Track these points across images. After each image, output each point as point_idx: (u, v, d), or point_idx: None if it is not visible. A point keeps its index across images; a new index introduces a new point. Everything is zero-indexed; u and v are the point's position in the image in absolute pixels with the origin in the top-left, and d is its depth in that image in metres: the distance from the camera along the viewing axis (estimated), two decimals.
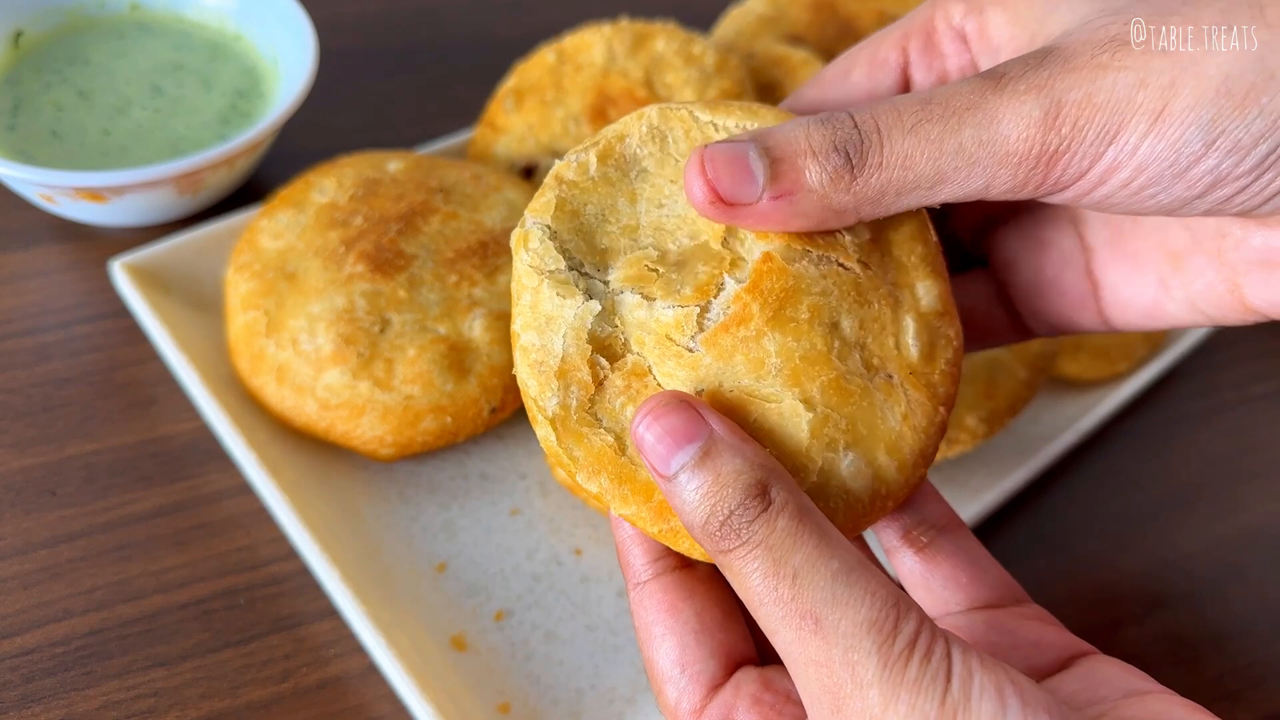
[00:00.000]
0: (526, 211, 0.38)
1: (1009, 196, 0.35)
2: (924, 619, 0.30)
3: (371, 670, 0.51)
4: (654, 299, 0.36)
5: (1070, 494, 0.64)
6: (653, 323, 0.35)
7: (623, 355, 0.35)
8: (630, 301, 0.36)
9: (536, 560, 0.56)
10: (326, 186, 0.61)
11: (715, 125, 0.39)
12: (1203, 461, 0.68)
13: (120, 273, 0.60)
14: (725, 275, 0.36)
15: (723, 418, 0.33)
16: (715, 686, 0.36)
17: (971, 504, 0.57)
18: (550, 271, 0.36)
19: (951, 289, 0.39)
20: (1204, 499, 0.66)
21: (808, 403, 0.35)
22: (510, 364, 0.46)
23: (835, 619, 0.30)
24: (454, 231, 0.59)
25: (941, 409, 0.37)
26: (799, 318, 0.35)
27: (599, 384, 0.35)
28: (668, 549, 0.38)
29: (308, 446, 0.58)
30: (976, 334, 0.46)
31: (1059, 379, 0.68)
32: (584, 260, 0.37)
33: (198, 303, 0.62)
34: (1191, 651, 0.59)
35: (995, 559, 0.40)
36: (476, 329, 0.57)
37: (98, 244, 0.68)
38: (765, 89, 0.69)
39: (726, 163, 0.35)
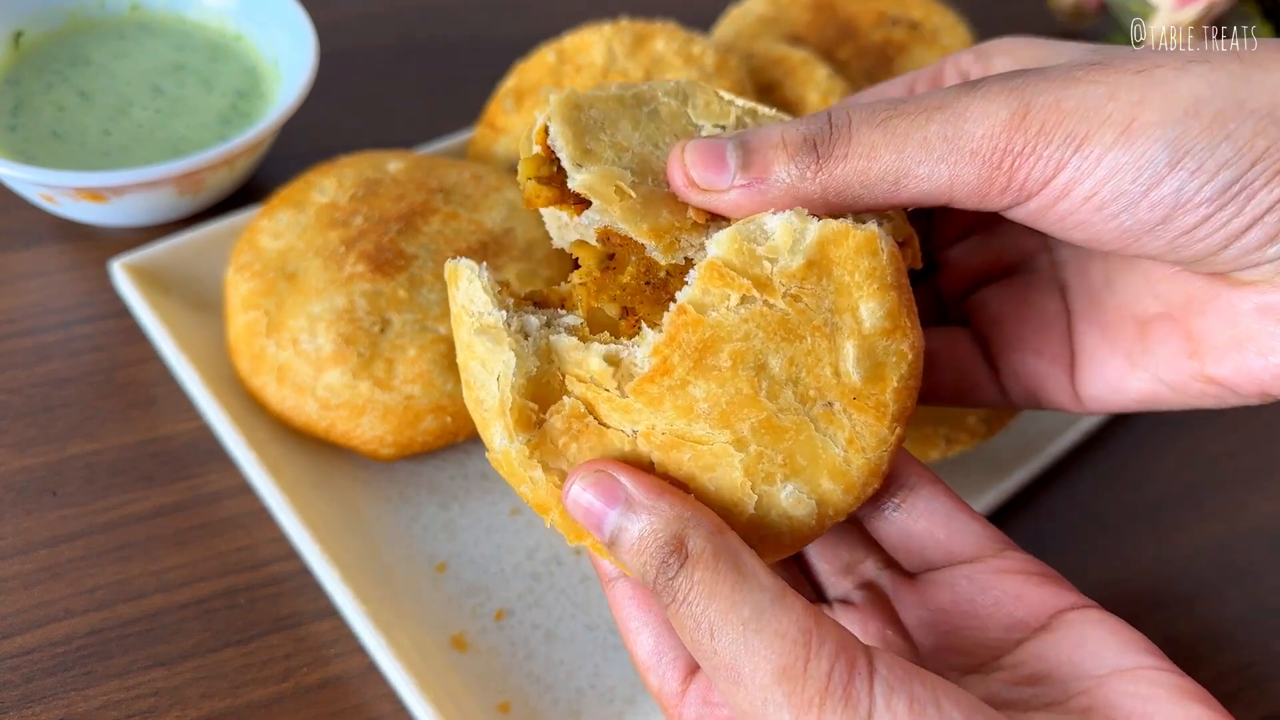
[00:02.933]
0: (550, 96, 0.38)
1: (974, 203, 0.35)
2: (839, 653, 0.30)
3: (372, 670, 0.51)
4: (589, 341, 0.36)
5: (1070, 494, 0.64)
6: (587, 364, 0.36)
7: (560, 396, 0.36)
8: (565, 343, 0.36)
9: (536, 560, 0.56)
10: (327, 186, 0.61)
11: (736, 104, 0.41)
12: (1203, 461, 0.68)
13: (120, 273, 0.60)
14: (644, 325, 0.36)
15: (639, 476, 0.34)
16: (693, 669, 0.37)
17: (971, 504, 0.57)
18: (479, 314, 0.36)
19: (913, 301, 0.37)
20: (1204, 499, 0.66)
21: (739, 443, 0.35)
22: None
23: (750, 671, 0.30)
24: (454, 231, 0.59)
25: (897, 426, 0.36)
26: (720, 365, 0.35)
27: (539, 426, 0.36)
28: None
29: (308, 446, 0.58)
30: (955, 390, 0.46)
31: None
32: (566, 148, 0.37)
33: (198, 303, 0.62)
34: (1191, 651, 0.59)
35: (975, 511, 0.40)
36: None
37: (98, 244, 0.68)
38: (765, 89, 0.69)
39: (703, 152, 0.37)
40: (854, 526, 0.42)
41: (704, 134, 0.41)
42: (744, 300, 0.35)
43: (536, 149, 0.38)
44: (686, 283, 0.35)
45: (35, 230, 0.68)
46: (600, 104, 0.39)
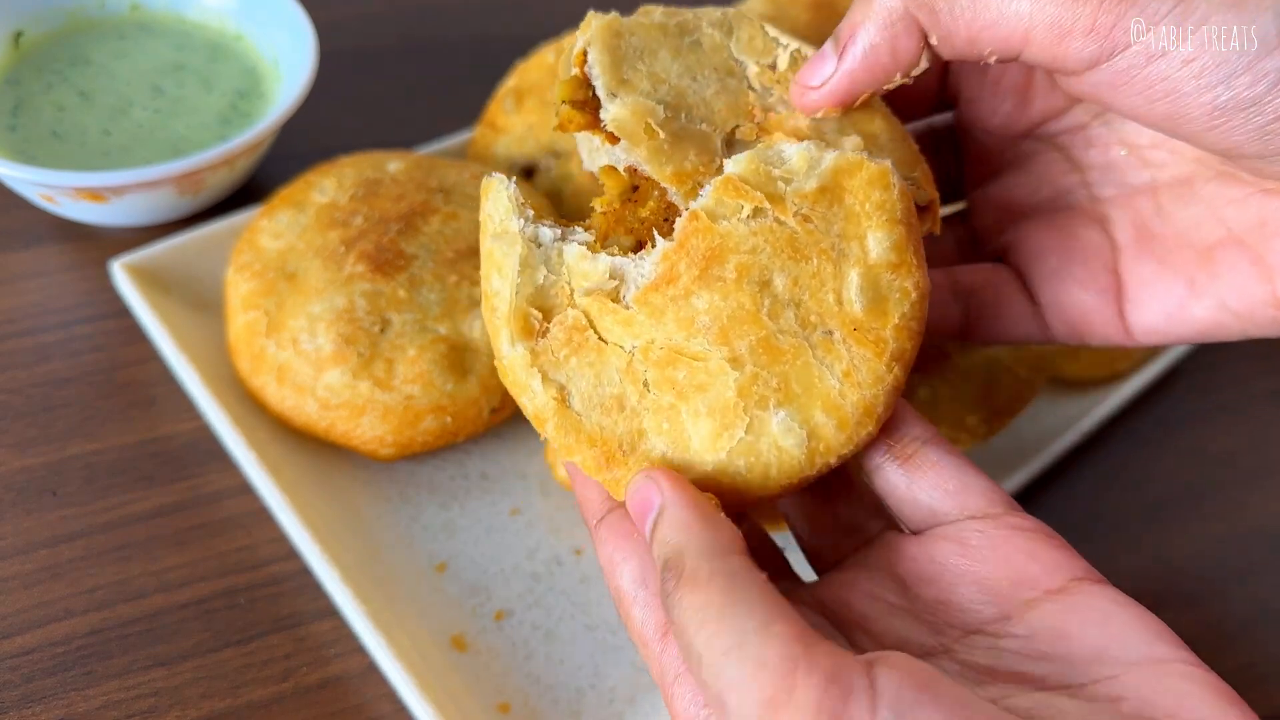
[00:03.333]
0: (592, 20, 0.40)
1: (1051, 46, 0.33)
2: (831, 681, 0.27)
3: (371, 670, 0.51)
4: (596, 252, 0.36)
5: (1070, 494, 0.64)
6: (594, 274, 0.36)
7: (565, 308, 0.36)
8: (574, 253, 0.36)
9: (536, 560, 0.56)
10: (327, 186, 0.61)
11: (780, 41, 0.42)
12: (1203, 461, 0.68)
13: (120, 273, 0.60)
14: (656, 234, 0.37)
15: (676, 484, 0.34)
16: None
17: None
18: (499, 221, 0.37)
19: (920, 243, 0.37)
20: (1204, 499, 0.66)
21: (735, 361, 0.35)
22: None
23: (735, 704, 0.28)
24: (454, 231, 0.59)
25: (895, 365, 0.36)
26: (725, 276, 0.35)
27: (542, 334, 0.36)
28: None
29: (308, 446, 0.58)
30: (994, 325, 0.44)
31: (1059, 379, 0.68)
32: (602, 76, 0.38)
33: (198, 303, 0.62)
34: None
35: (979, 468, 0.38)
36: (477, 329, 0.57)
37: (98, 244, 0.68)
38: None
39: (809, 63, 0.39)
40: (856, 491, 0.40)
41: (748, 72, 0.41)
42: (755, 213, 0.35)
43: (574, 71, 0.39)
44: (701, 195, 0.36)
45: (35, 230, 0.68)
46: (641, 31, 0.40)
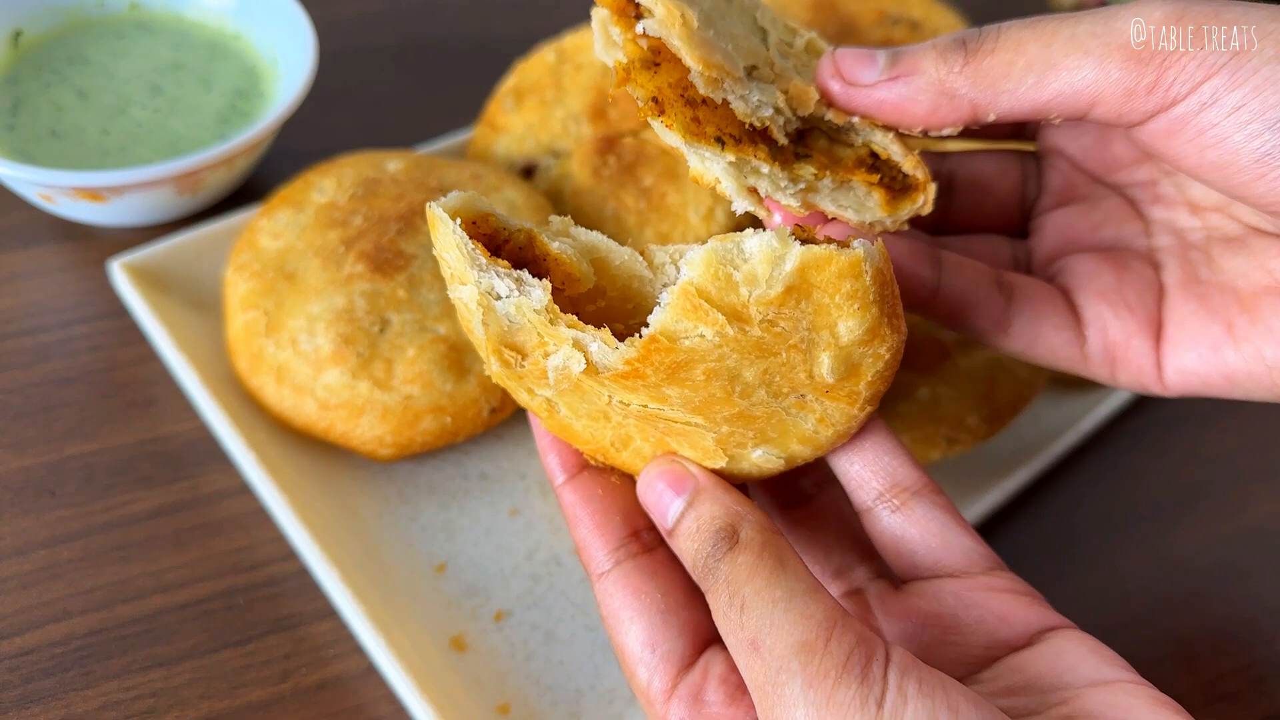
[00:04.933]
0: None
1: (1118, 106, 0.35)
2: (861, 639, 0.31)
3: (371, 671, 0.51)
4: (556, 323, 0.35)
5: (1070, 494, 0.64)
6: (558, 340, 0.35)
7: (535, 351, 0.36)
8: (534, 319, 0.35)
9: (536, 560, 0.56)
10: (326, 186, 0.61)
11: (799, 31, 0.43)
12: (1203, 461, 0.68)
13: (119, 273, 0.60)
14: (591, 339, 0.35)
15: (707, 471, 0.38)
16: (685, 666, 0.37)
17: (971, 504, 0.57)
18: (454, 270, 0.36)
19: (898, 301, 0.36)
20: (1204, 499, 0.66)
21: (712, 424, 0.37)
22: None
23: (770, 643, 0.31)
24: None
25: (868, 406, 0.37)
26: (694, 378, 0.35)
27: (520, 365, 0.37)
28: (628, 536, 0.39)
29: (307, 446, 0.58)
30: (1033, 327, 0.44)
31: (1059, 379, 0.67)
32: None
33: (197, 303, 0.62)
34: (1191, 651, 0.58)
35: (970, 526, 0.40)
36: None
37: (97, 244, 0.68)
38: None
39: (853, 53, 0.39)
40: (850, 532, 0.42)
41: (769, 39, 0.42)
42: (718, 332, 0.33)
43: None
44: (659, 303, 0.33)
45: (34, 230, 0.68)
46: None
